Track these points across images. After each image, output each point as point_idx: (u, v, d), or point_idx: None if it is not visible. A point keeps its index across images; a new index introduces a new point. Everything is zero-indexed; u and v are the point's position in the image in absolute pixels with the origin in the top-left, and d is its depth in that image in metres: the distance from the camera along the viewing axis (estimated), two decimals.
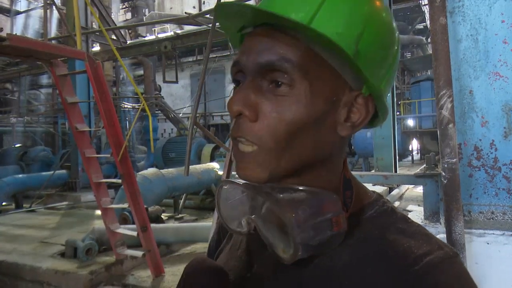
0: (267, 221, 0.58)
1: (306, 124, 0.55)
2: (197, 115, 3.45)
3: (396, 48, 0.60)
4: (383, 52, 0.58)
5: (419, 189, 5.29)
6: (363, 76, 0.55)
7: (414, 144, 18.91)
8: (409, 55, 23.66)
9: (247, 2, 6.06)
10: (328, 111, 0.56)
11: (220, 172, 7.84)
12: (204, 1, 23.20)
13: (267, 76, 0.55)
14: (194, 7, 22.53)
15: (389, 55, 0.59)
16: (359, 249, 0.57)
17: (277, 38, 0.54)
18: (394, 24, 0.60)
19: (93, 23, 11.09)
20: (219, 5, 0.57)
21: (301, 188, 0.57)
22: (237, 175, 0.59)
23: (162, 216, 6.31)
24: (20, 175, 9.51)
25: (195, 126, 3.43)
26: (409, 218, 0.61)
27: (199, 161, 10.43)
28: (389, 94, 0.62)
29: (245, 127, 0.56)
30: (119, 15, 24.55)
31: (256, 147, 0.56)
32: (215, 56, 18.59)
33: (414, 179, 2.85)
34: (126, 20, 24.07)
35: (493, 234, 2.04)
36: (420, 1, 20.55)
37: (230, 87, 18.79)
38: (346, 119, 0.58)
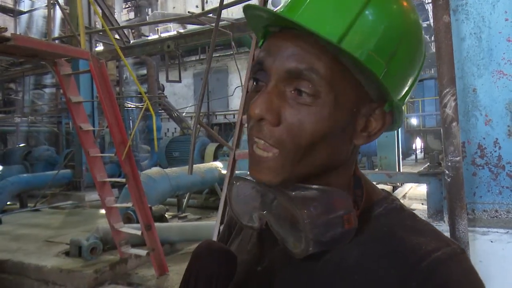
0: (278, 217, 0.59)
1: (326, 134, 0.55)
2: (200, 114, 3.46)
3: (423, 62, 0.60)
4: (412, 69, 0.58)
5: (422, 188, 5.28)
6: (388, 95, 0.56)
7: (418, 143, 18.86)
8: None
9: None
10: (349, 122, 0.56)
11: (224, 171, 7.85)
12: (207, 1, 23.19)
13: (292, 83, 0.54)
14: (197, 7, 22.52)
15: (416, 70, 0.59)
16: (369, 245, 0.58)
17: (306, 46, 0.53)
18: (423, 35, 0.60)
19: (97, 23, 11.12)
20: (248, 6, 0.57)
21: (312, 186, 0.58)
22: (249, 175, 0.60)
23: (166, 215, 6.34)
24: (25, 175, 9.55)
25: (198, 125, 3.44)
26: (417, 216, 0.62)
27: (202, 160, 10.44)
28: None
29: (266, 130, 0.55)
30: (122, 15, 24.57)
31: (275, 151, 0.55)
32: (218, 55, 18.57)
33: (418, 178, 2.84)
34: (129, 19, 24.08)
35: (497, 232, 2.04)
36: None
37: (232, 87, 18.76)
38: (363, 129, 0.58)
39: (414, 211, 0.65)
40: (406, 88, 0.59)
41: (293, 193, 0.56)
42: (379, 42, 0.53)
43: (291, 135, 0.54)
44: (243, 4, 0.61)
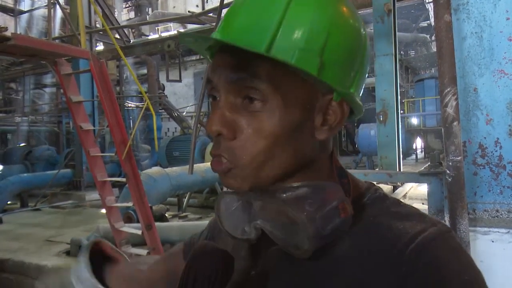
0: (274, 222, 0.59)
1: (283, 136, 0.55)
2: (201, 113, 3.46)
3: (363, 49, 0.59)
4: (350, 57, 0.58)
5: (423, 188, 5.29)
6: (330, 87, 0.56)
7: (418, 143, 18.86)
8: (413, 53, 23.56)
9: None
10: (304, 119, 0.57)
11: None
12: (207, 0, 23.19)
13: (239, 93, 0.56)
14: (197, 6, 22.53)
15: (357, 58, 0.59)
16: (357, 236, 0.58)
17: (245, 56, 0.54)
18: (360, 23, 0.60)
19: (97, 22, 11.13)
20: (180, 35, 0.59)
21: (301, 184, 0.58)
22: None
23: (167, 215, 6.34)
24: (25, 174, 9.56)
25: (199, 125, 3.43)
26: (401, 201, 0.62)
27: (203, 159, 10.44)
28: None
29: (223, 145, 0.57)
30: (123, 14, 24.55)
31: (232, 165, 0.57)
32: None
33: (419, 177, 2.84)
34: (130, 19, 24.08)
35: (498, 232, 2.03)
36: None
37: None
38: (322, 123, 0.58)
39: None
40: (351, 76, 0.58)
41: (285, 195, 0.57)
42: (308, 36, 0.53)
43: (247, 146, 0.56)
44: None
